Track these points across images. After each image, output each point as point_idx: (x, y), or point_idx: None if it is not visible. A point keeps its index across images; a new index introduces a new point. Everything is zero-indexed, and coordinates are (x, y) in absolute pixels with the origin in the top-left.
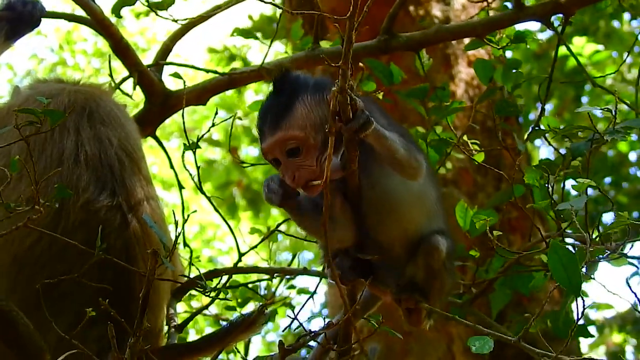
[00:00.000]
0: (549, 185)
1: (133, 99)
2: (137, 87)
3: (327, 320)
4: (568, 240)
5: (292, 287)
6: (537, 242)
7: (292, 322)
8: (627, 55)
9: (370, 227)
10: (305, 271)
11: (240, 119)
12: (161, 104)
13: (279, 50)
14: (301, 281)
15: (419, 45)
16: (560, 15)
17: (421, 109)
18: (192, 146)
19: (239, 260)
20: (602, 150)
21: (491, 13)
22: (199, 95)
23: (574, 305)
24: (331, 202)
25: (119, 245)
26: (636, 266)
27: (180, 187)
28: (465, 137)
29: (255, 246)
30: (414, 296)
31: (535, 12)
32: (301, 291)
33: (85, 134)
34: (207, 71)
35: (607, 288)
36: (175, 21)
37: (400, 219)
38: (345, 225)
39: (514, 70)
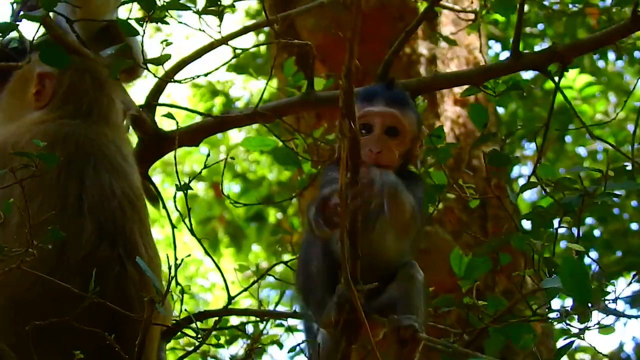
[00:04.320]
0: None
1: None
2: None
3: None
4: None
5: (280, 325)
6: (532, 292)
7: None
8: (625, 104)
9: None
10: (296, 314)
11: (232, 158)
12: (154, 145)
13: (264, 86)
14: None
15: (415, 92)
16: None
17: None
18: (185, 187)
19: (229, 302)
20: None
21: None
22: (192, 136)
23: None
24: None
25: (116, 292)
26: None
27: (173, 226)
28: (460, 181)
29: (246, 289)
30: (413, 325)
31: (533, 61)
32: (289, 329)
33: (89, 182)
34: (200, 114)
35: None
36: (171, 81)
37: (384, 251)
38: None
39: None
